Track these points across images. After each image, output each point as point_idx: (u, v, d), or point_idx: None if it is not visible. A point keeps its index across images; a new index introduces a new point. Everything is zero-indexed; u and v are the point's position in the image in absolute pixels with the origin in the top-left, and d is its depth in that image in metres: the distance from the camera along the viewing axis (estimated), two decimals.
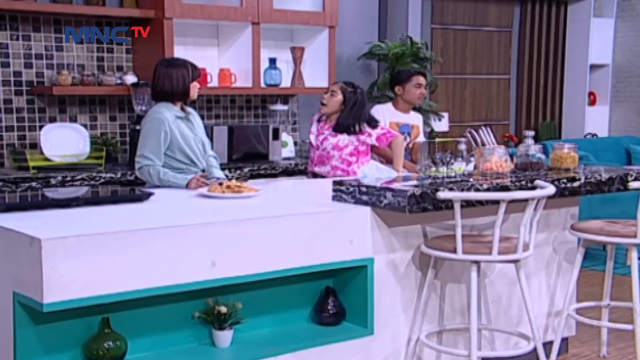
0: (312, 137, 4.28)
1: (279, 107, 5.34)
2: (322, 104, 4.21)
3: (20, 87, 4.50)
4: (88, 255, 2.38)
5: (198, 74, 3.74)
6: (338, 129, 4.18)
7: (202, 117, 5.12)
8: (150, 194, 3.15)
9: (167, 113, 3.62)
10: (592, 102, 7.93)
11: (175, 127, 3.62)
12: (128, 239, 2.47)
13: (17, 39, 4.46)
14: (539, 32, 7.44)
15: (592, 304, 3.84)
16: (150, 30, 4.66)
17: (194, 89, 3.72)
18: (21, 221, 2.59)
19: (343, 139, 4.17)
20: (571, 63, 7.65)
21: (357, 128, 4.15)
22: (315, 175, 4.26)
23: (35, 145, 4.50)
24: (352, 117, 4.15)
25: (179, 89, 3.65)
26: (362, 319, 3.10)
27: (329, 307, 3.08)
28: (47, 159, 4.38)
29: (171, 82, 3.63)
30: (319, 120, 4.30)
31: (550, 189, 3.08)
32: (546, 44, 7.52)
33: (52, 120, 4.60)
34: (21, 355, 2.45)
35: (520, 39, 7.40)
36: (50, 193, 3.61)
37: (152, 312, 2.72)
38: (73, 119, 4.66)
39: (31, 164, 4.26)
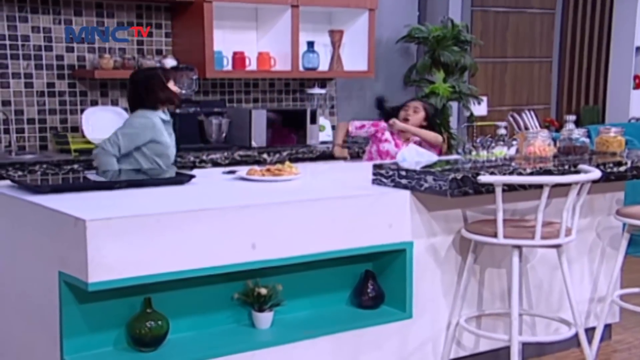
0: (391, 147, 4.30)
1: (317, 90, 5.33)
2: (406, 120, 4.31)
3: (62, 71, 4.57)
4: (131, 236, 2.41)
5: (168, 75, 3.75)
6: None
7: (240, 101, 5.18)
8: (191, 177, 3.18)
9: (156, 118, 3.65)
10: (638, 86, 7.74)
11: (162, 133, 3.66)
12: (170, 220, 2.49)
13: (59, 23, 4.52)
14: (583, 13, 7.27)
15: (636, 290, 3.77)
16: (190, 14, 4.68)
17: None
18: (66, 202, 2.63)
19: None
20: (616, 45, 7.47)
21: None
22: None
23: (77, 129, 4.57)
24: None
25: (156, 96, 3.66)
26: (400, 302, 3.09)
27: (368, 291, 3.08)
28: (88, 142, 4.44)
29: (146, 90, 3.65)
30: (390, 130, 4.35)
31: (595, 174, 3.03)
32: (590, 26, 7.34)
33: (94, 103, 4.66)
34: (67, 333, 2.50)
35: (564, 20, 7.24)
36: (93, 175, 3.67)
37: (192, 293, 2.75)
38: (114, 103, 4.72)
39: (73, 147, 4.33)
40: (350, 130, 4.47)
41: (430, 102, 4.54)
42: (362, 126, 4.42)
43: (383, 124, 4.40)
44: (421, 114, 4.33)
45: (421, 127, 4.33)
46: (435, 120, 4.42)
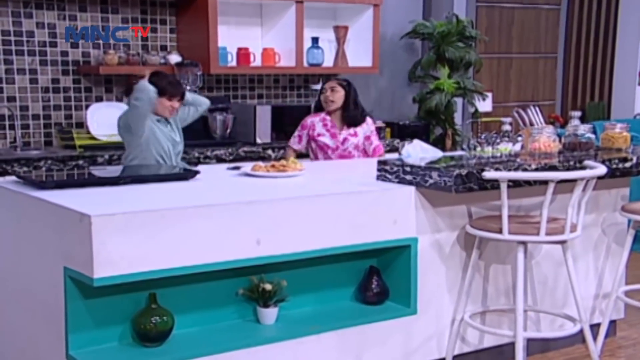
0: (327, 139, 4.27)
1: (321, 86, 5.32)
2: (331, 101, 4.26)
3: (67, 67, 4.57)
4: (136, 232, 2.42)
5: (171, 92, 3.71)
6: (352, 123, 4.27)
7: (244, 97, 5.18)
8: (196, 173, 3.18)
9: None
10: None
11: (154, 125, 3.70)
12: (174, 216, 2.50)
13: (64, 19, 4.53)
14: (588, 9, 7.24)
15: None
16: (195, 10, 4.67)
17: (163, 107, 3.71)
18: (71, 198, 2.64)
19: (360, 139, 4.29)
20: (622, 41, 7.43)
21: (363, 115, 4.32)
22: None
23: (81, 125, 4.58)
24: (357, 108, 4.29)
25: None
26: (405, 298, 3.09)
27: (373, 287, 3.08)
28: (93, 138, 4.45)
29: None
30: (322, 122, 4.29)
31: (601, 170, 3.02)
32: (596, 22, 7.31)
33: (99, 99, 4.66)
34: (72, 328, 2.51)
35: (569, 16, 7.22)
36: (98, 171, 3.67)
37: (197, 289, 2.75)
38: (119, 99, 4.72)
39: (78, 142, 4.34)
40: (298, 149, 4.34)
41: (345, 79, 4.41)
42: (300, 137, 4.32)
43: (309, 119, 4.32)
44: (340, 92, 4.26)
45: (344, 104, 4.25)
46: (353, 97, 4.27)
